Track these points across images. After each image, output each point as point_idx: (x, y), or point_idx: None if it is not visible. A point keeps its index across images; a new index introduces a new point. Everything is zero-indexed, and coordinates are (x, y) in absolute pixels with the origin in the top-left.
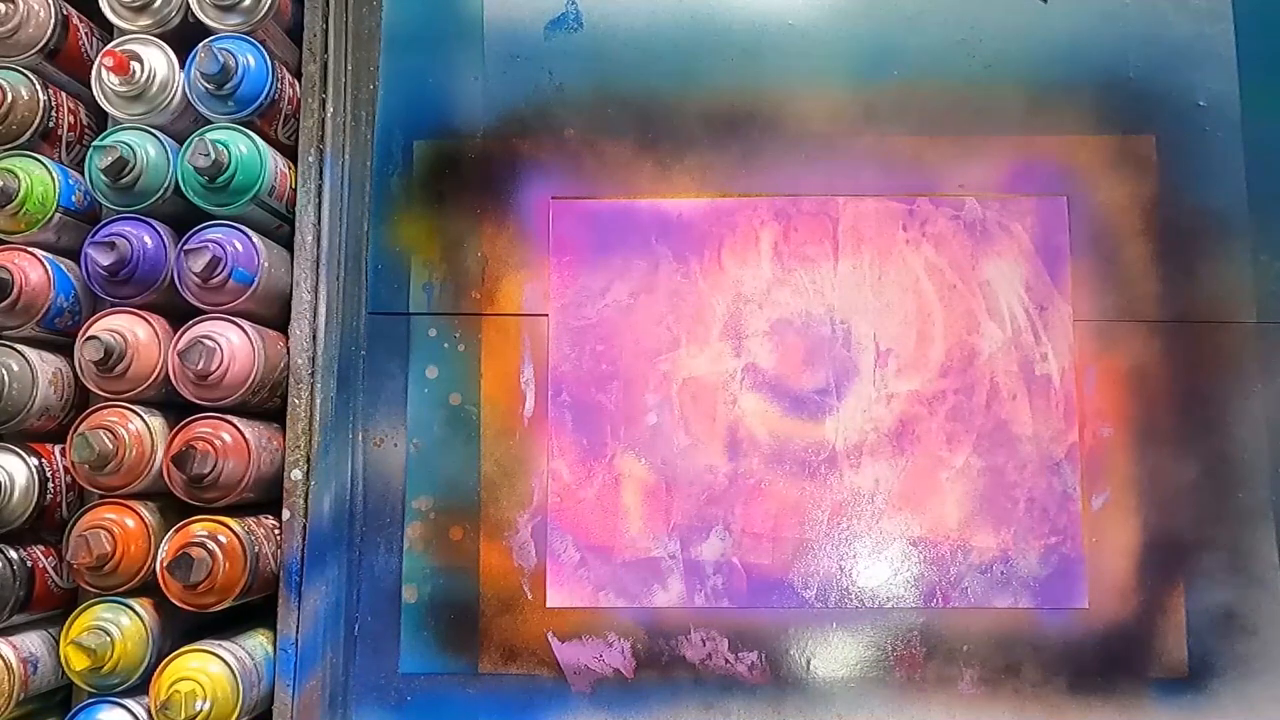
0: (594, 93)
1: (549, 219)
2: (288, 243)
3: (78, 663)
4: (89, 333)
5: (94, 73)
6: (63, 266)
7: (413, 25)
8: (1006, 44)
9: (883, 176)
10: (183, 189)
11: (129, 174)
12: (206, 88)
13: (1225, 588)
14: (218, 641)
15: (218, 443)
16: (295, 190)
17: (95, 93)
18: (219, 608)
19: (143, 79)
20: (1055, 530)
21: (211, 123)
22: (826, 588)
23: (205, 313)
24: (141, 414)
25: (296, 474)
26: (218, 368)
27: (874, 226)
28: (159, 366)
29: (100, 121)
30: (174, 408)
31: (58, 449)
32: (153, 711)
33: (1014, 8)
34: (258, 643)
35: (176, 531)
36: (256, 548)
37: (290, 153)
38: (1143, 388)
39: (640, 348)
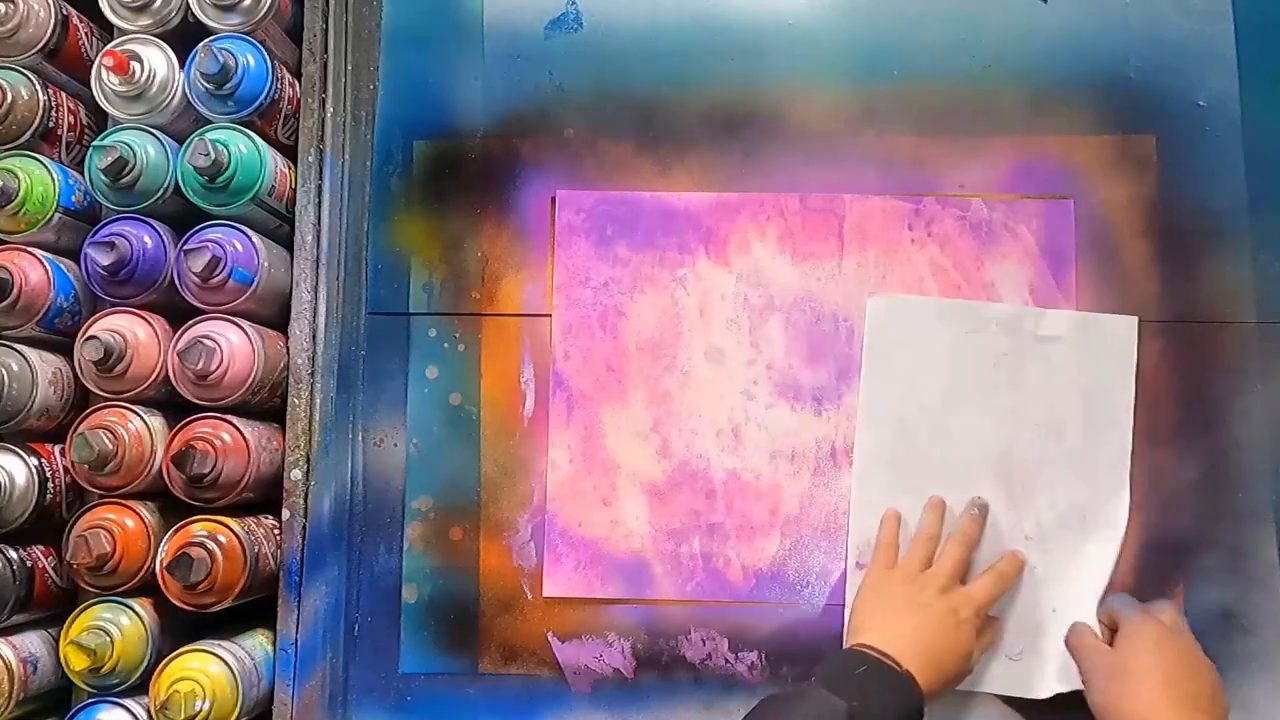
0: (594, 93)
1: (553, 212)
2: (288, 243)
3: (77, 663)
4: (89, 333)
5: (94, 73)
6: (63, 266)
7: (413, 25)
8: (1007, 44)
9: (882, 177)
10: (183, 189)
11: (129, 174)
12: (206, 88)
13: (1225, 588)
14: (218, 641)
15: (217, 443)
16: (295, 190)
17: (95, 93)
18: (219, 608)
19: (143, 79)
20: None
21: (211, 123)
22: (825, 584)
23: (205, 313)
24: (141, 414)
25: (296, 474)
26: (218, 368)
27: (880, 225)
28: (159, 366)
29: (100, 121)
30: (174, 408)
31: (58, 449)
32: (152, 711)
33: (1014, 8)
34: (258, 643)
35: (176, 531)
36: (256, 548)
37: (290, 153)
38: (1143, 388)
39: (641, 342)
